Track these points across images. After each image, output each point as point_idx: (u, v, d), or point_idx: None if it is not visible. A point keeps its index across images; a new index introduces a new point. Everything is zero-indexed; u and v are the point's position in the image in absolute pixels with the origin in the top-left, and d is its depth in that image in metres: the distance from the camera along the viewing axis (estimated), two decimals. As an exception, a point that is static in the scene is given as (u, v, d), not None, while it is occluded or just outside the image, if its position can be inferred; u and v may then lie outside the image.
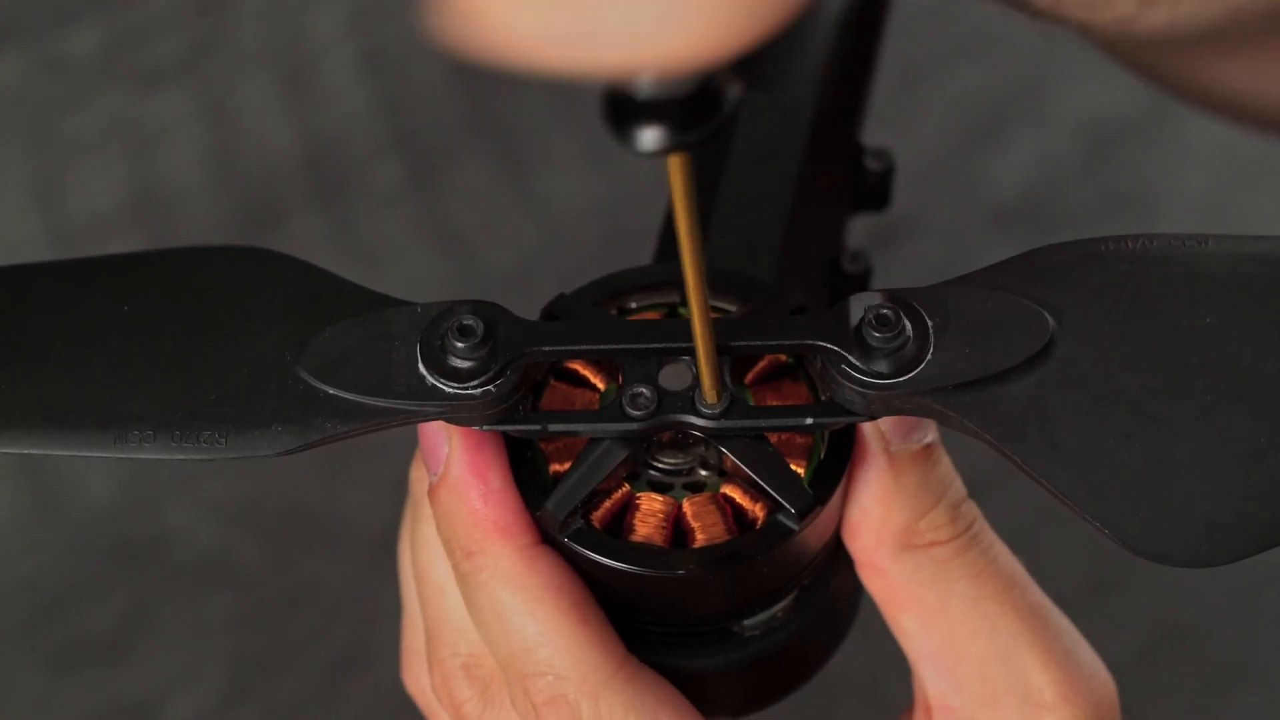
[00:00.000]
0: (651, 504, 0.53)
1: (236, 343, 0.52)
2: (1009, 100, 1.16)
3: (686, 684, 0.55)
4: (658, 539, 0.53)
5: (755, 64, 0.62)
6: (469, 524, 0.53)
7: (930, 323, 0.51)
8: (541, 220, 1.14)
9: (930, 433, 0.54)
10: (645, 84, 0.40)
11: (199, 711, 1.03)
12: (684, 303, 0.56)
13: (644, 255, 0.63)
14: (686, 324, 0.52)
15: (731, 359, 0.53)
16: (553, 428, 0.53)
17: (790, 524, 0.52)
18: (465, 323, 0.51)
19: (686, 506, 0.53)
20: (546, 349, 0.52)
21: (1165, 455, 0.50)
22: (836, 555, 0.56)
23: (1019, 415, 0.51)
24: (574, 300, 0.55)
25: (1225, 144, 1.14)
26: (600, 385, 0.54)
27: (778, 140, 0.65)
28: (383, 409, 0.51)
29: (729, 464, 0.53)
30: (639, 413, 0.52)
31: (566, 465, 0.53)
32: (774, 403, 0.54)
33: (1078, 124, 1.16)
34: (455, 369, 0.51)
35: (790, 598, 0.56)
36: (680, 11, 0.37)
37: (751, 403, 0.54)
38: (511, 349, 0.51)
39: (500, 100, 1.17)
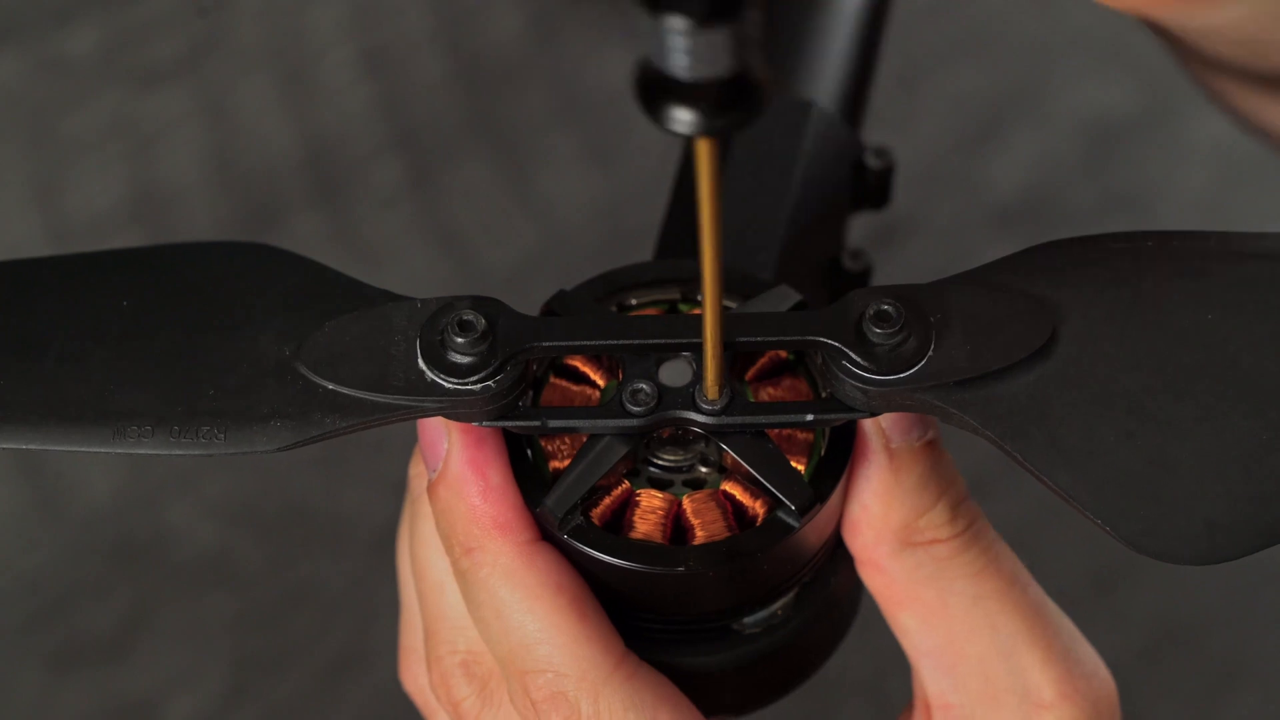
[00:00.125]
0: (651, 501, 0.53)
1: (235, 338, 0.52)
2: (1009, 99, 1.16)
3: (686, 681, 0.55)
4: (657, 536, 0.53)
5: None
6: (468, 520, 0.53)
7: (931, 319, 0.51)
8: (541, 220, 1.14)
9: (931, 430, 0.54)
10: (683, 64, 0.40)
11: (199, 711, 1.03)
12: (684, 299, 0.56)
13: (644, 255, 0.63)
14: (687, 320, 0.52)
15: (732, 355, 0.53)
16: (552, 424, 0.52)
17: (790, 521, 0.52)
18: (465, 318, 0.51)
19: (686, 503, 0.53)
20: (546, 345, 0.52)
21: (1166, 453, 0.50)
22: (837, 553, 0.56)
23: (1020, 412, 0.51)
24: (574, 296, 0.55)
25: (1225, 144, 1.13)
26: (600, 382, 0.54)
27: (778, 140, 0.65)
28: (382, 404, 0.51)
29: (729, 461, 0.53)
30: (639, 409, 0.52)
31: (566, 462, 0.53)
32: (774, 399, 0.54)
33: (1078, 123, 1.16)
34: (455, 364, 0.51)
35: (790, 595, 0.56)
36: None
37: (752, 399, 0.54)
38: (511, 345, 0.51)
39: (500, 100, 1.17)
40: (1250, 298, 0.52)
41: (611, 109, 1.15)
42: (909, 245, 1.11)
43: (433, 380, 0.51)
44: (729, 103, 0.41)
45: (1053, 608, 0.55)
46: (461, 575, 0.54)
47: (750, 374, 0.54)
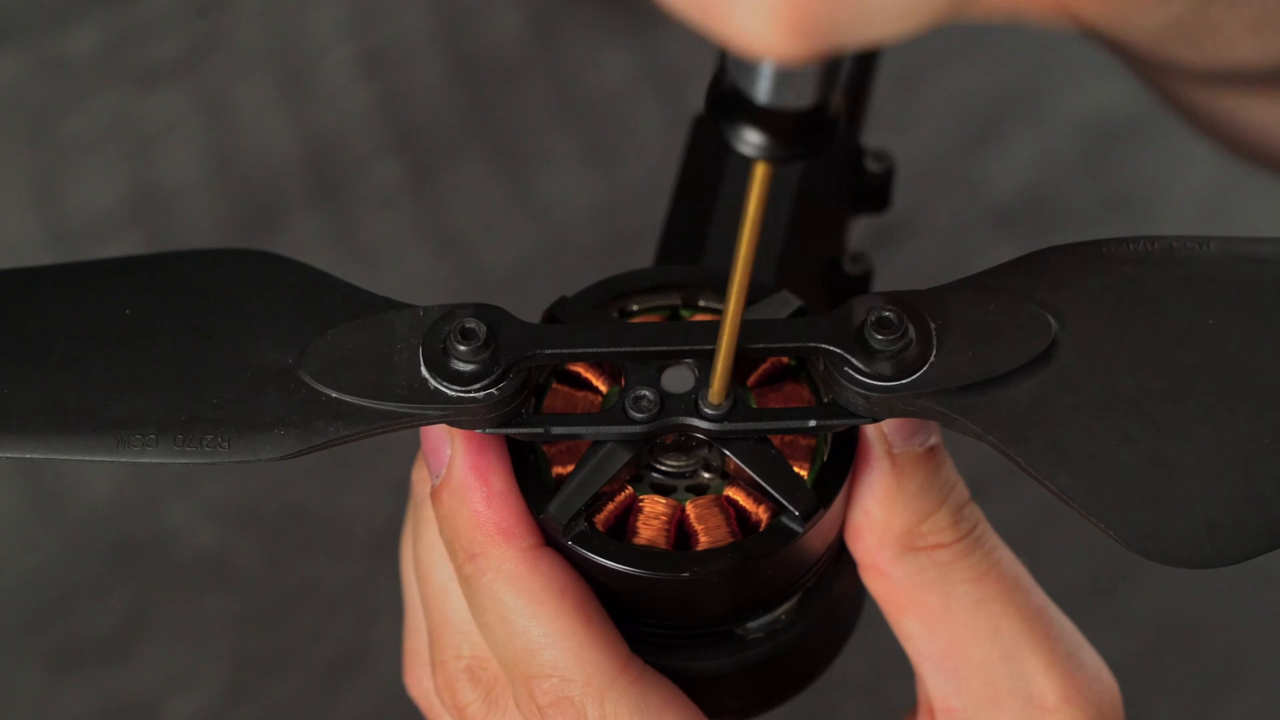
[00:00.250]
0: (655, 506, 0.53)
1: (238, 346, 0.52)
2: (1008, 100, 1.16)
3: (690, 686, 0.55)
4: (661, 541, 0.53)
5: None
6: (471, 526, 0.53)
7: (932, 325, 0.51)
8: (541, 220, 1.14)
9: (933, 435, 0.54)
10: (765, 88, 0.41)
11: (199, 711, 1.03)
12: (685, 305, 0.56)
13: (644, 256, 0.63)
14: (689, 326, 0.52)
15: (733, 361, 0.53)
16: (555, 430, 0.52)
17: (794, 526, 0.52)
18: (467, 326, 0.51)
19: (690, 509, 0.53)
20: (549, 352, 0.52)
21: (1167, 456, 0.50)
22: (839, 558, 0.56)
23: (1021, 417, 0.51)
24: (575, 303, 0.55)
25: (1225, 144, 1.13)
26: (602, 388, 0.54)
27: None
28: (385, 412, 0.51)
29: (732, 466, 0.53)
30: (642, 415, 0.52)
31: (569, 468, 0.53)
32: (776, 405, 0.54)
33: (1077, 124, 1.16)
34: (458, 372, 0.51)
35: (794, 600, 0.56)
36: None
37: (754, 405, 0.54)
38: (514, 352, 0.51)
39: (500, 100, 1.17)
40: (1250, 301, 0.52)
41: (611, 109, 1.15)
42: (909, 246, 1.11)
43: (436, 388, 0.51)
44: (802, 135, 0.42)
45: (1055, 611, 0.56)
46: (465, 581, 0.54)
47: (752, 380, 0.54)
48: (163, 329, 0.53)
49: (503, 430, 0.52)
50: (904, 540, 0.54)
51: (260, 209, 1.15)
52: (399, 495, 0.59)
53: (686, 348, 0.52)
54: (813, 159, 0.42)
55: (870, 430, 0.53)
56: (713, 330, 0.51)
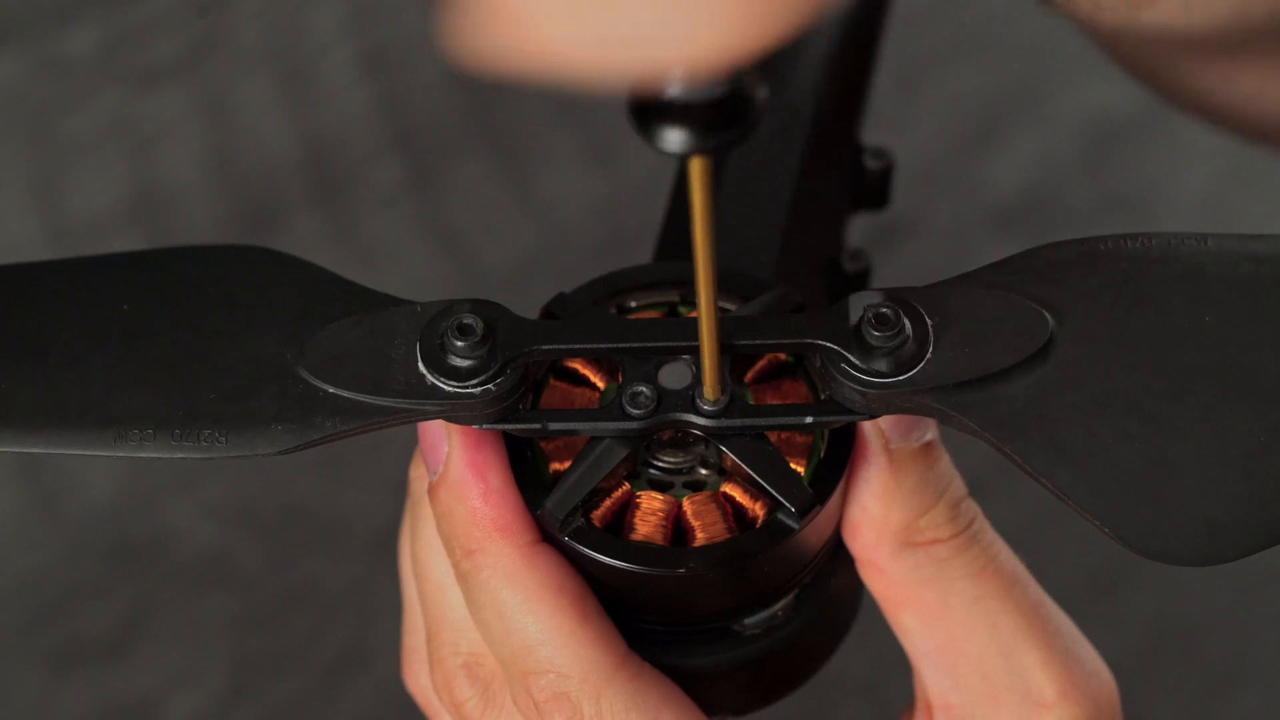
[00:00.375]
0: (652, 503, 0.53)
1: (236, 341, 0.52)
2: (1008, 100, 1.16)
3: (687, 682, 0.55)
4: (658, 538, 0.53)
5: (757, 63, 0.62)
6: (469, 523, 0.53)
7: (930, 322, 0.51)
8: (541, 220, 1.14)
9: (930, 431, 0.54)
10: (673, 85, 0.40)
11: (199, 711, 1.03)
12: (684, 302, 0.56)
13: (643, 255, 0.63)
14: (686, 323, 0.52)
15: (731, 358, 0.53)
16: (553, 426, 0.52)
17: (790, 523, 0.52)
18: (465, 321, 0.51)
19: (687, 505, 0.53)
20: (546, 348, 0.52)
21: (1165, 454, 0.50)
22: (837, 554, 0.56)
23: (1019, 414, 0.51)
24: (573, 299, 0.55)
25: (1225, 144, 1.13)
26: (600, 384, 0.54)
27: (778, 140, 0.65)
28: (382, 408, 0.51)
29: (729, 463, 0.53)
30: (639, 411, 0.52)
31: (566, 464, 0.53)
32: (774, 401, 0.54)
33: (1077, 124, 1.16)
34: (455, 368, 0.51)
35: (791, 596, 0.56)
36: (709, 12, 0.36)
37: (751, 401, 0.54)
38: (511, 348, 0.51)
39: (500, 100, 1.17)
40: (1249, 298, 0.52)
41: (611, 109, 1.15)
42: (908, 245, 1.11)
43: (433, 384, 0.51)
44: (722, 122, 0.41)
45: (1053, 607, 0.55)
46: (463, 577, 0.54)
47: (749, 376, 0.54)
48: (162, 324, 0.53)
49: (500, 426, 0.52)
50: (901, 536, 0.54)
51: (260, 209, 1.15)
52: (398, 495, 0.59)
53: (683, 344, 0.52)
54: (741, 144, 0.42)
55: (867, 427, 0.53)
56: None
